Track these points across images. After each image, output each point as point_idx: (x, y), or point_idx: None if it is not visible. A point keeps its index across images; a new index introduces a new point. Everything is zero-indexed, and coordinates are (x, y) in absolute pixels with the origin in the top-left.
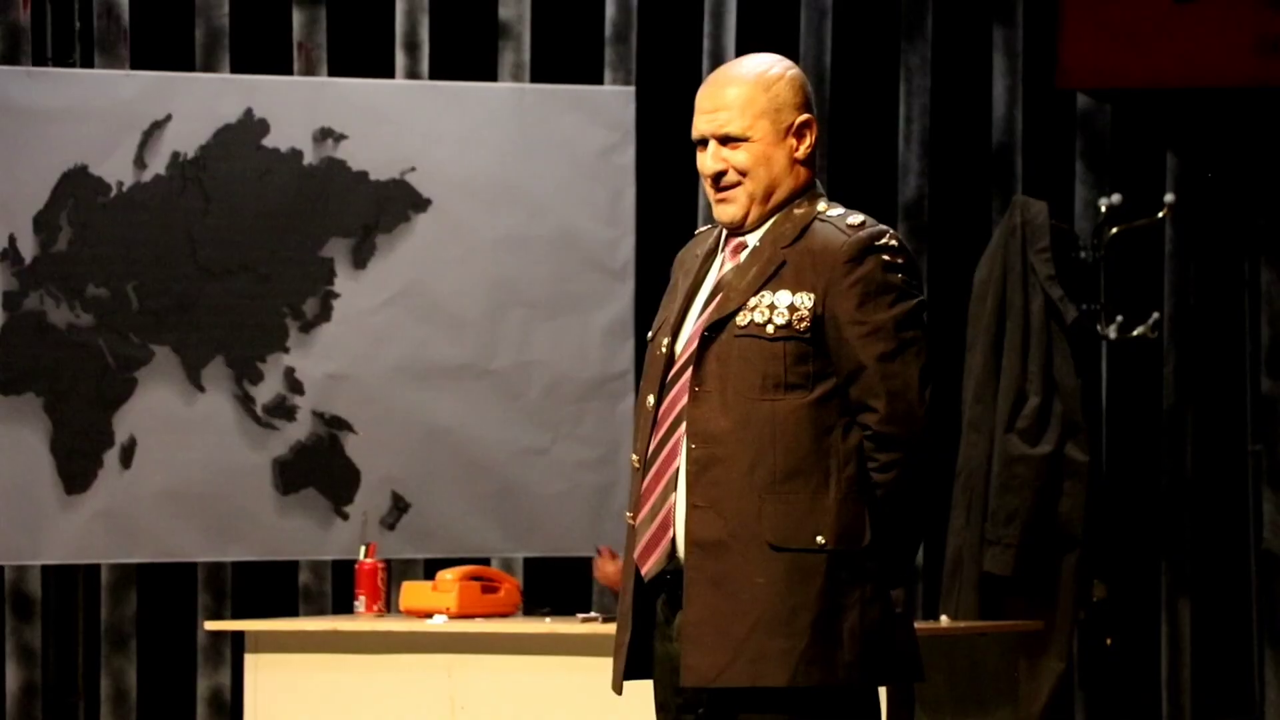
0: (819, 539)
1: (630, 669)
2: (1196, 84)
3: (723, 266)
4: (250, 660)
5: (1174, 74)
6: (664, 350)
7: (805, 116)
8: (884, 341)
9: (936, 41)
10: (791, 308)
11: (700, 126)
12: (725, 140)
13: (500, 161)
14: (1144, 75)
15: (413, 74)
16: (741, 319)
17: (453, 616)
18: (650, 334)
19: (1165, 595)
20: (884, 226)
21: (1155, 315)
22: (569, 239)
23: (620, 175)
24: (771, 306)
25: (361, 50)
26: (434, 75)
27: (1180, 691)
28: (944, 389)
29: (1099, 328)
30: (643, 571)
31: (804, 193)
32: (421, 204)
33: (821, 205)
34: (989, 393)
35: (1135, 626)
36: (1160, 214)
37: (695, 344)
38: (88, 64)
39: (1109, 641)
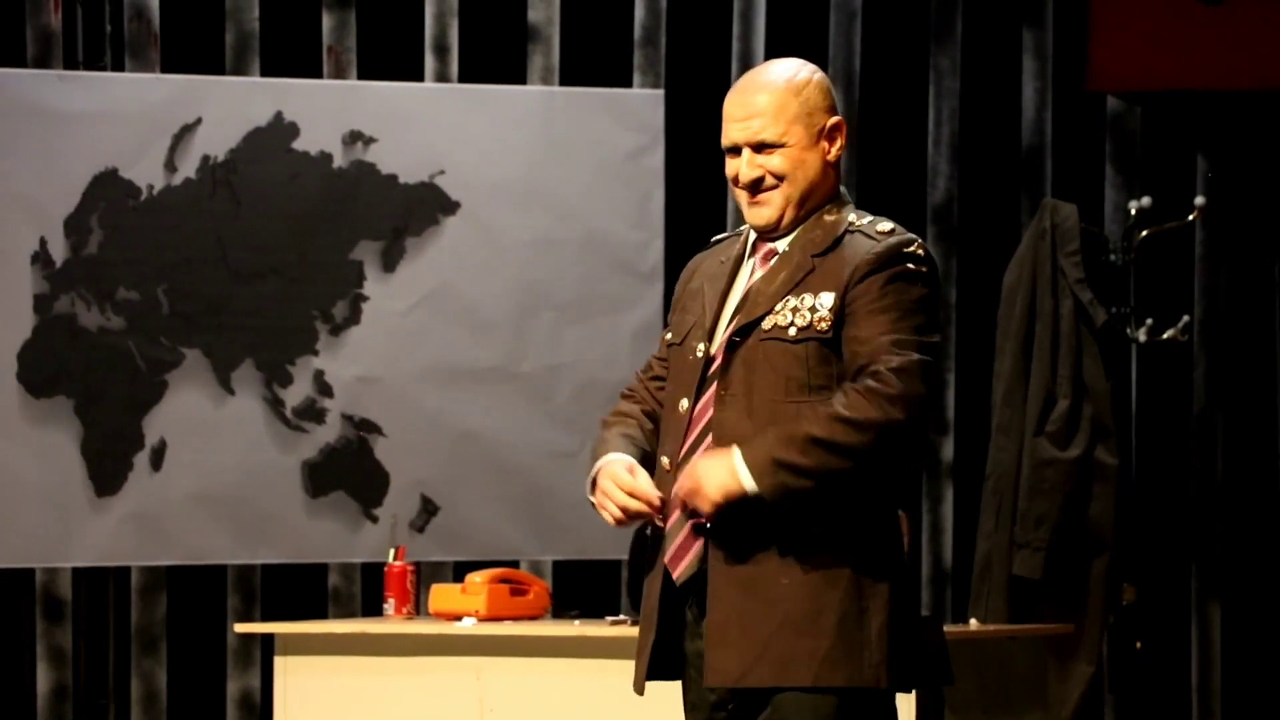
0: (839, 538)
1: (654, 670)
2: (1226, 86)
3: (753, 273)
4: (280, 663)
5: (1204, 76)
6: (698, 355)
7: (835, 119)
8: (896, 331)
9: (966, 44)
10: (813, 309)
11: (733, 135)
12: (760, 147)
13: (529, 164)
14: (1174, 78)
15: (442, 77)
16: (767, 323)
17: (482, 619)
18: (667, 336)
19: (1195, 599)
20: (913, 235)
21: (1185, 318)
22: (598, 242)
23: (649, 178)
24: (795, 310)
25: (391, 53)
26: (463, 78)
27: (1210, 695)
28: (974, 392)
29: (1129, 331)
30: (675, 575)
31: (834, 196)
32: (450, 207)
33: (852, 216)
34: (1018, 396)
35: (1165, 630)
36: (1190, 217)
37: (723, 349)
38: (118, 67)
39: (1139, 645)
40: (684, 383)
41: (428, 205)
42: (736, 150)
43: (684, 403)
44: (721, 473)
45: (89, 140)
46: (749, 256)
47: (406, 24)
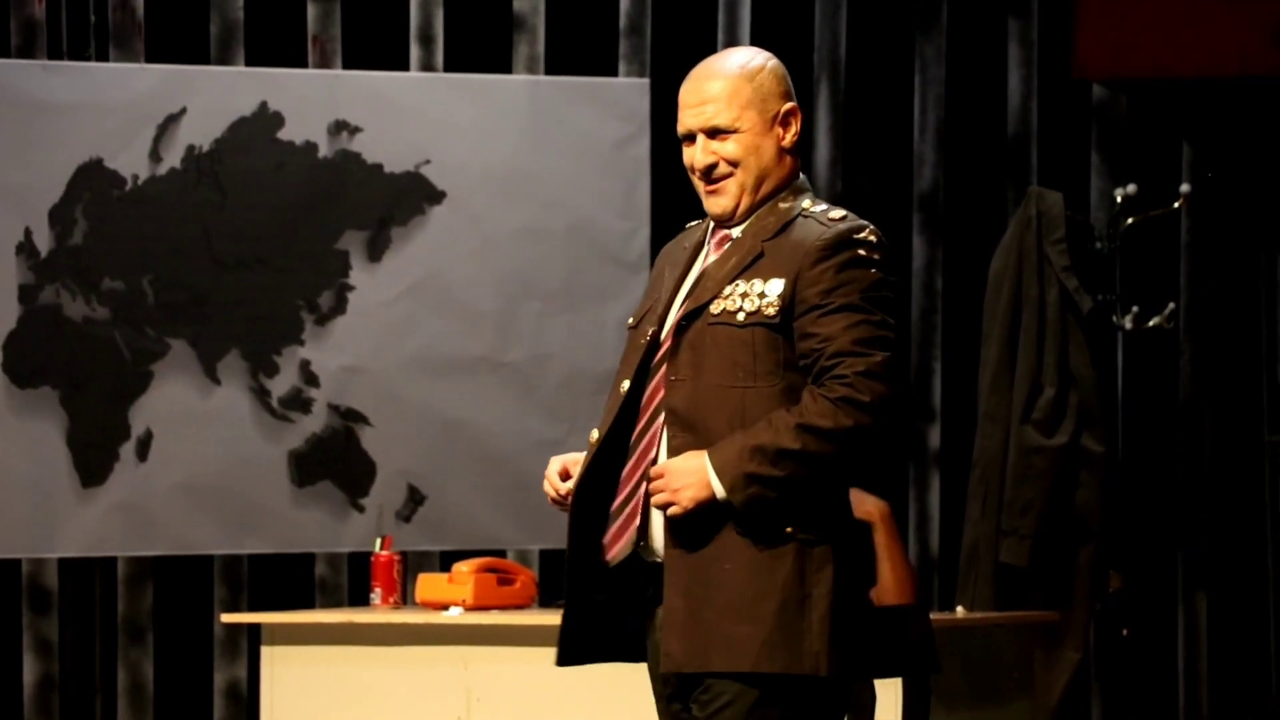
0: (787, 528)
1: (611, 652)
2: (1212, 74)
3: (707, 258)
4: (267, 653)
5: (1190, 64)
6: (647, 338)
7: (790, 105)
8: (858, 329)
9: (951, 32)
10: (762, 295)
11: (687, 121)
12: (714, 133)
13: (515, 154)
14: (1160, 65)
15: (427, 66)
16: (715, 307)
17: (468, 608)
18: (632, 322)
19: (1182, 586)
20: (865, 222)
21: (1171, 306)
22: (584, 231)
23: (635, 167)
24: (744, 295)
25: (376, 43)
26: (448, 68)
27: (1197, 682)
28: (960, 380)
29: (1115, 318)
30: (609, 556)
31: (790, 183)
32: (436, 196)
33: (806, 202)
34: (1004, 384)
35: (1152, 617)
36: (1176, 204)
37: (672, 332)
38: (103, 58)
39: (1125, 632)
40: (629, 364)
41: (413, 195)
42: (691, 137)
43: (625, 384)
44: (695, 483)
45: (73, 130)
46: (707, 242)
47: (391, 13)
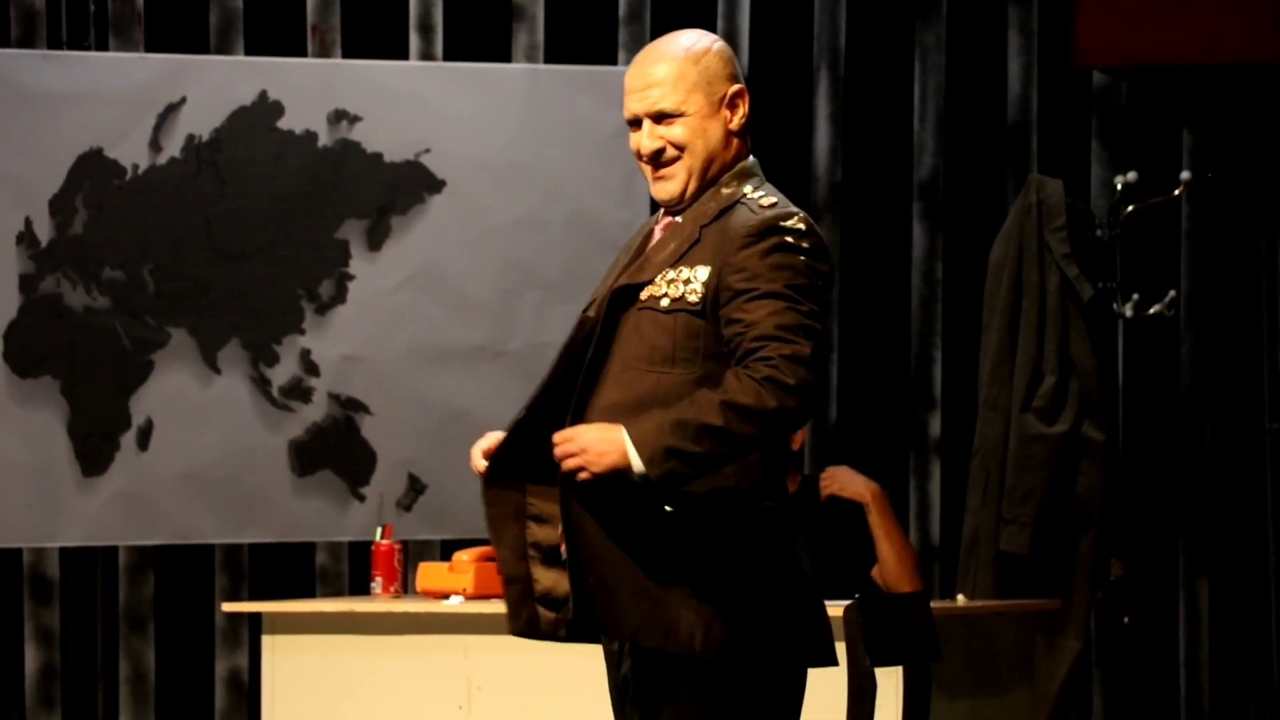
0: (684, 506)
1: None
2: (1213, 61)
3: (651, 242)
4: (268, 641)
5: (1191, 51)
6: (585, 318)
7: (737, 87)
8: (783, 315)
9: (951, 20)
10: (688, 281)
11: (632, 106)
12: (660, 118)
13: (514, 143)
14: (1160, 52)
15: (427, 55)
16: (645, 293)
17: (469, 597)
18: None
19: (1183, 574)
20: (796, 209)
21: (1172, 293)
22: (583, 220)
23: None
24: (671, 281)
25: (375, 32)
26: (448, 57)
27: (1199, 670)
28: (960, 368)
29: (1115, 306)
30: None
31: (736, 164)
32: (436, 186)
33: (748, 188)
34: (1005, 372)
35: (1153, 605)
36: (1176, 192)
37: (602, 315)
38: (102, 47)
39: (1126, 620)
40: (564, 343)
41: (413, 184)
42: (637, 123)
43: (555, 362)
44: (612, 452)
45: (73, 120)
46: (656, 227)
47: (390, 2)
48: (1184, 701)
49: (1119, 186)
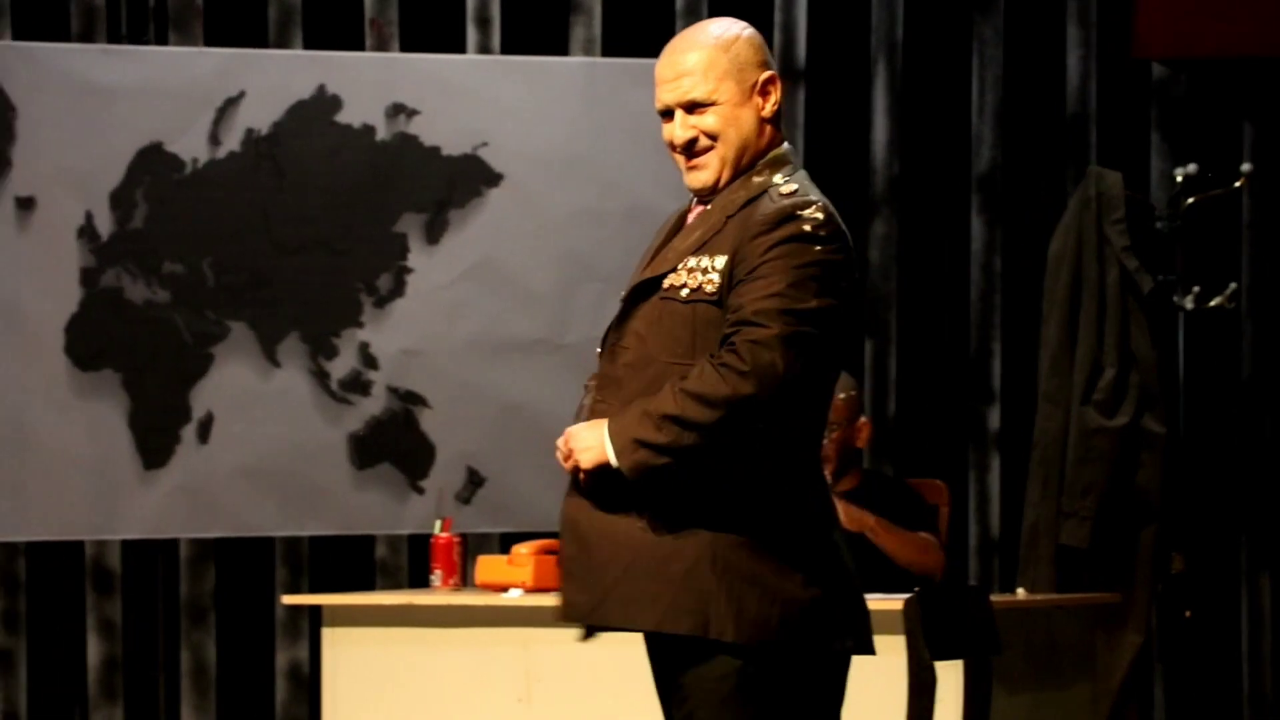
0: (699, 491)
1: None
2: (1274, 53)
3: (682, 229)
4: (327, 634)
5: (1251, 42)
6: (618, 307)
7: (768, 74)
8: (766, 300)
9: (1009, 12)
10: (705, 270)
11: (664, 97)
12: (691, 107)
13: (572, 136)
14: (1220, 44)
15: (484, 49)
16: (666, 283)
17: (528, 590)
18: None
19: (1245, 567)
20: (816, 198)
21: (1233, 285)
22: (641, 213)
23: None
24: (691, 270)
25: (433, 26)
26: (505, 50)
27: (1261, 664)
28: (1020, 361)
29: (1175, 299)
30: None
31: (769, 151)
32: (493, 179)
33: (778, 177)
34: (1065, 365)
35: (1214, 599)
36: (1237, 183)
37: (626, 303)
38: (162, 41)
39: (1188, 614)
40: (604, 332)
41: (471, 177)
42: (669, 113)
43: (598, 350)
44: (594, 445)
45: (133, 114)
46: (690, 215)
47: None
48: (1246, 696)
49: (1179, 178)
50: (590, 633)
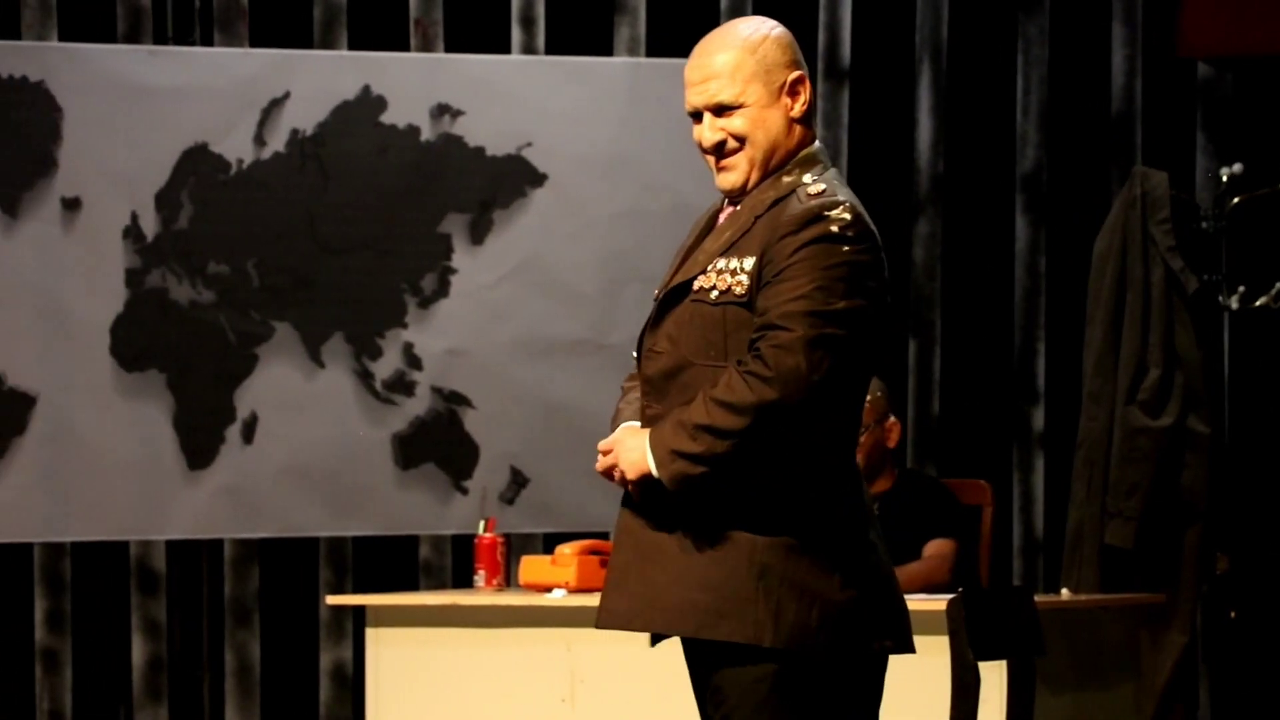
0: (742, 498)
1: None
2: None
3: (713, 229)
4: (371, 634)
5: None
6: (653, 306)
7: (797, 74)
8: (793, 303)
9: (1055, 11)
10: (734, 272)
11: (692, 100)
12: (719, 110)
13: (616, 136)
14: (1266, 43)
15: (529, 49)
16: (697, 284)
17: (572, 590)
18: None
19: None
20: (844, 198)
21: (1278, 285)
22: (685, 213)
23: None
24: (720, 272)
25: (478, 26)
26: (550, 50)
27: None
28: (1064, 361)
29: (1221, 299)
30: None
31: (800, 151)
32: (538, 179)
33: (808, 177)
34: (1109, 365)
35: (1259, 599)
36: None
37: (657, 306)
38: (207, 42)
39: (1233, 614)
40: (639, 335)
41: (515, 177)
42: (699, 115)
43: (633, 354)
44: (636, 457)
45: (179, 115)
46: (721, 214)
47: None
48: None
49: (1224, 178)
50: (656, 639)
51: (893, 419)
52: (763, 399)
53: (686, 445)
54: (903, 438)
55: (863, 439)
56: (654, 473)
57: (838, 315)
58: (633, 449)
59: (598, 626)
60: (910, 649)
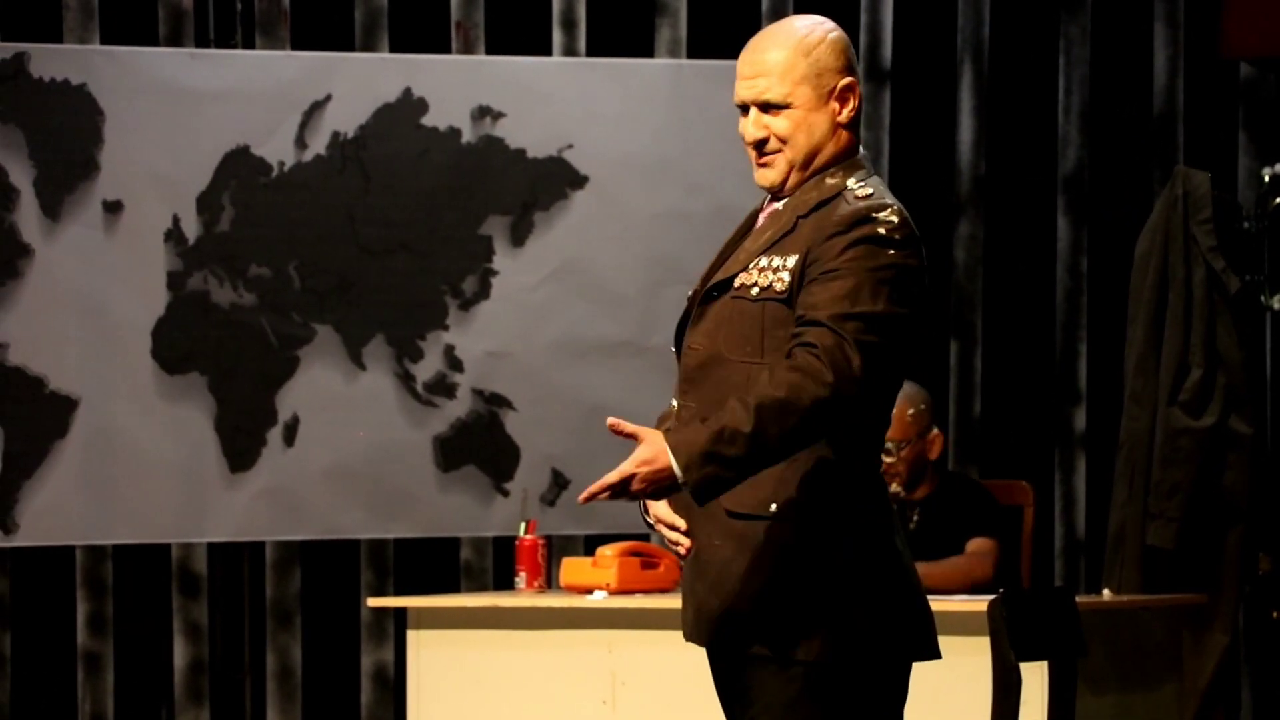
0: (773, 506)
1: None
2: None
3: (753, 228)
4: (413, 636)
5: None
6: (688, 305)
7: (848, 80)
8: (839, 304)
9: (1096, 12)
10: (776, 269)
11: (741, 93)
12: (766, 107)
13: (657, 138)
14: None
15: (570, 51)
16: (738, 281)
17: (613, 592)
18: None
19: None
20: (891, 200)
21: None
22: (726, 215)
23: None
24: (762, 270)
25: (519, 28)
26: (591, 52)
27: None
28: (1106, 361)
29: (1263, 299)
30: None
31: (844, 159)
32: (579, 181)
33: (852, 180)
34: (1151, 365)
35: None
36: None
37: (698, 302)
38: (249, 45)
39: (1275, 615)
40: (679, 330)
41: (556, 179)
42: (745, 108)
43: (673, 349)
44: (658, 460)
45: (220, 118)
46: (762, 212)
47: None
48: None
49: (1267, 178)
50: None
51: (935, 431)
52: (816, 398)
53: (723, 449)
54: (945, 439)
55: (904, 452)
56: (677, 475)
57: (884, 319)
58: (652, 450)
59: (685, 640)
60: (937, 655)
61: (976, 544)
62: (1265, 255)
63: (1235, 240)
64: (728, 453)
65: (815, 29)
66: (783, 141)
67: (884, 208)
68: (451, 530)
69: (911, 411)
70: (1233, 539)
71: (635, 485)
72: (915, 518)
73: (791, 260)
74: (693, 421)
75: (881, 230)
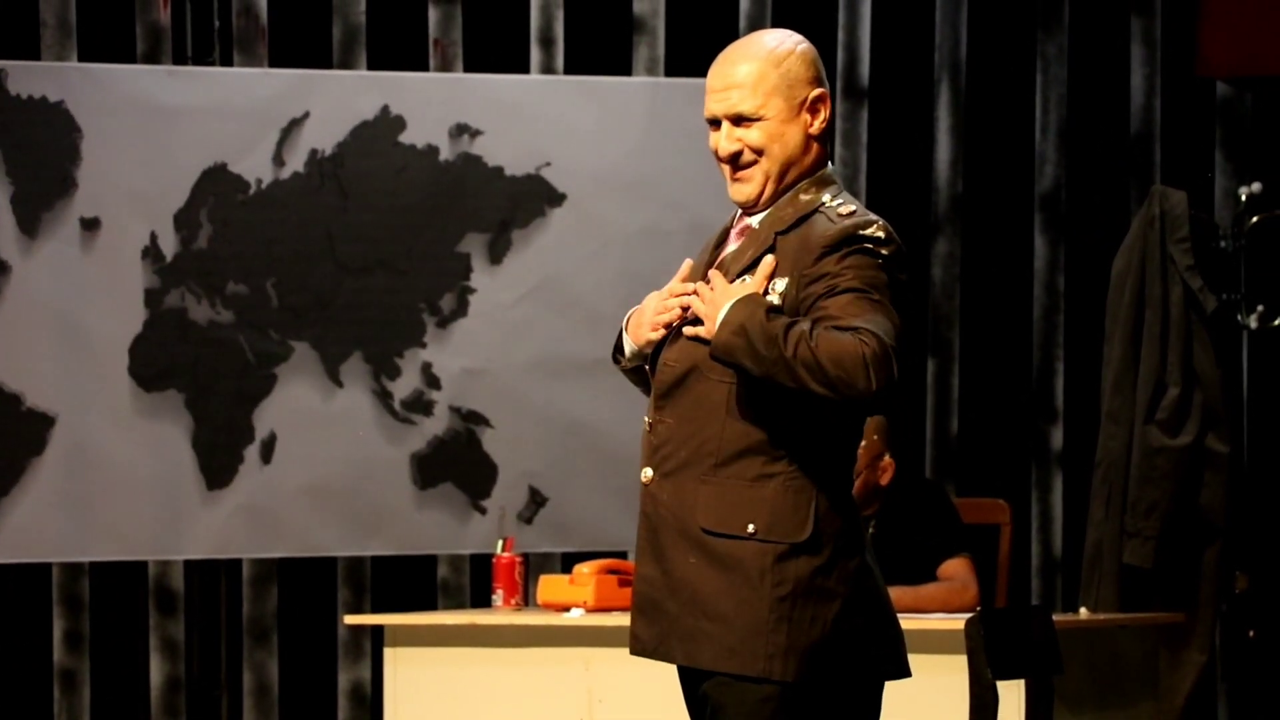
0: (750, 527)
1: None
2: None
3: (727, 246)
4: (390, 654)
5: None
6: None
7: (819, 91)
8: (857, 296)
9: (1074, 31)
10: (765, 292)
11: (712, 107)
12: (738, 120)
13: (635, 156)
14: None
15: (548, 69)
16: None
17: (590, 610)
18: None
19: None
20: (875, 217)
21: None
22: (704, 232)
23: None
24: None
25: (497, 46)
26: (569, 70)
27: None
28: (1083, 380)
29: (1239, 318)
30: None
31: (815, 171)
32: (557, 199)
33: (826, 196)
34: (1128, 384)
35: (1279, 618)
36: None
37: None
38: (227, 63)
39: (1252, 634)
40: (660, 349)
41: (534, 197)
42: (717, 123)
43: (645, 369)
44: (719, 305)
45: (198, 135)
46: (732, 229)
47: (512, 16)
48: None
49: (1243, 197)
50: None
51: (888, 459)
52: (869, 384)
53: (756, 341)
54: (921, 456)
55: (857, 481)
56: (713, 329)
57: (897, 333)
58: (724, 295)
59: (631, 653)
60: (907, 673)
61: (951, 567)
62: (1242, 274)
63: (1212, 259)
64: (759, 349)
65: (784, 41)
66: (757, 154)
67: (870, 224)
68: (429, 548)
69: (863, 442)
70: (1210, 557)
71: (695, 308)
72: (870, 530)
73: (779, 283)
74: (765, 309)
75: (870, 245)
